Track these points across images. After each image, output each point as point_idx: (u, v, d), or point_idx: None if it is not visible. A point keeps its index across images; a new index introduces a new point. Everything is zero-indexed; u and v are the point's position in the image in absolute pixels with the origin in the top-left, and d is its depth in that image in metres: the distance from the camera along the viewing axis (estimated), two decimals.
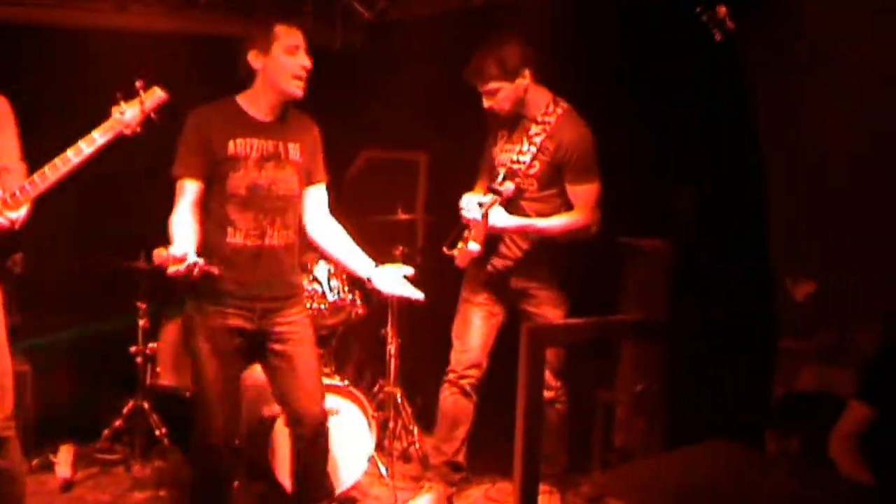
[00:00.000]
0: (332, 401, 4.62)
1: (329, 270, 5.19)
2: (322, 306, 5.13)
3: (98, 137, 3.67)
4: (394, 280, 4.12)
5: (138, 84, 3.74)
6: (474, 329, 4.72)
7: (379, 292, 4.18)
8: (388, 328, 5.55)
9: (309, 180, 4.14)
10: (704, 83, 4.59)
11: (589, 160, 4.40)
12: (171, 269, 3.56)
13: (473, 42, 4.54)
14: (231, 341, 3.97)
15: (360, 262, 4.21)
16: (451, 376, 4.74)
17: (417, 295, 4.08)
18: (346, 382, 4.97)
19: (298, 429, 4.16)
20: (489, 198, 4.40)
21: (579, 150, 4.38)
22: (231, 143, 3.91)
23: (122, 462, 5.25)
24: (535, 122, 4.42)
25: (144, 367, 5.22)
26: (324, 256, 5.19)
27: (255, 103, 4.00)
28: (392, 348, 5.50)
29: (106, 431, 5.28)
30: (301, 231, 4.18)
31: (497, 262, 4.64)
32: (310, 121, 4.18)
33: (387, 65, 6.15)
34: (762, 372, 4.60)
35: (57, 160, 3.63)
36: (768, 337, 4.60)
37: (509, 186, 4.36)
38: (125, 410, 5.24)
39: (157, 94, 3.78)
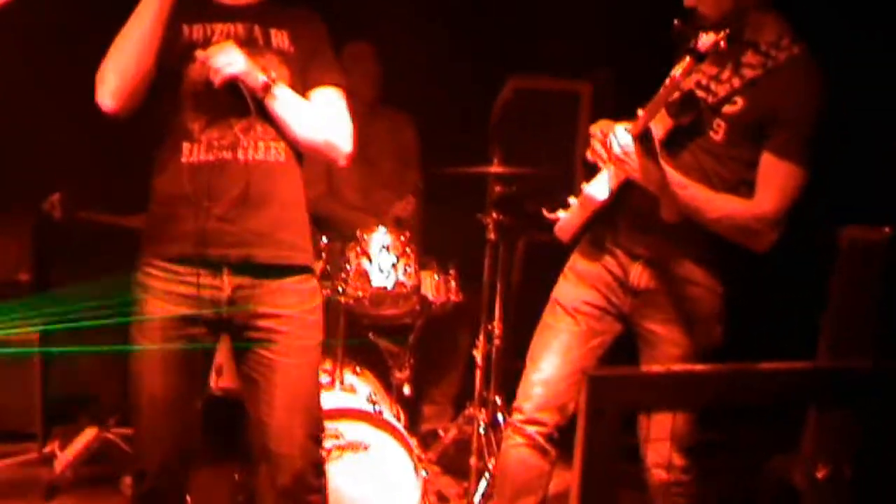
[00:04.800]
0: (358, 431, 3.56)
1: (385, 244, 3.87)
2: (359, 293, 3.94)
3: None
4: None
5: None
6: (560, 349, 3.31)
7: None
8: (490, 325, 4.28)
9: (309, 81, 3.10)
10: None
11: (808, 131, 3.04)
12: None
13: None
14: (175, 340, 2.96)
15: None
16: (516, 418, 3.36)
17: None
18: (378, 408, 3.71)
19: (274, 476, 3.06)
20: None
21: (803, 112, 3.02)
22: (185, 29, 3.02)
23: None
24: (754, 49, 3.09)
25: None
26: (388, 223, 4.02)
27: None
28: (478, 355, 4.24)
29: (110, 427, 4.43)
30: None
31: (623, 241, 3.23)
32: (309, 11, 3.21)
33: None
34: None
35: None
36: None
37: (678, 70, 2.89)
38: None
39: None
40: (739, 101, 3.05)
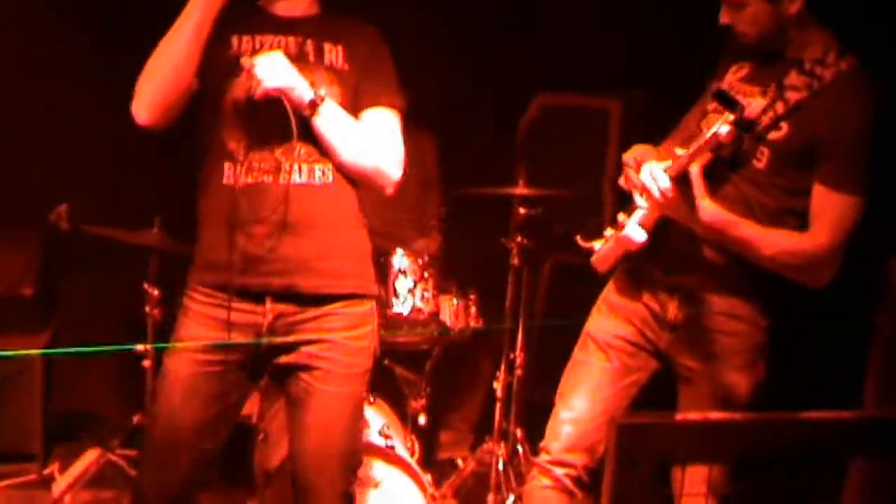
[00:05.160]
0: (368, 467, 3.37)
1: (402, 267, 3.68)
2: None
3: None
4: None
5: None
6: (591, 387, 3.09)
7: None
8: (512, 354, 4.09)
9: (362, 101, 2.88)
10: None
11: (861, 156, 2.81)
12: None
13: None
14: (208, 365, 2.79)
15: None
16: (543, 459, 3.13)
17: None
18: (390, 443, 3.51)
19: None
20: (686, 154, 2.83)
21: (853, 135, 2.79)
22: (234, 39, 2.84)
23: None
24: (797, 69, 2.87)
25: (155, 374, 3.98)
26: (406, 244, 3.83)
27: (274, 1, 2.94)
28: (499, 387, 4.03)
29: (114, 449, 4.18)
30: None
31: (660, 274, 3.01)
32: (366, 25, 3.01)
33: None
34: None
35: None
36: None
37: (723, 128, 2.70)
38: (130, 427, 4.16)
39: None
40: (784, 126, 2.83)
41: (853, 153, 2.78)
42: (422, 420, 4.02)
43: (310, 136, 2.75)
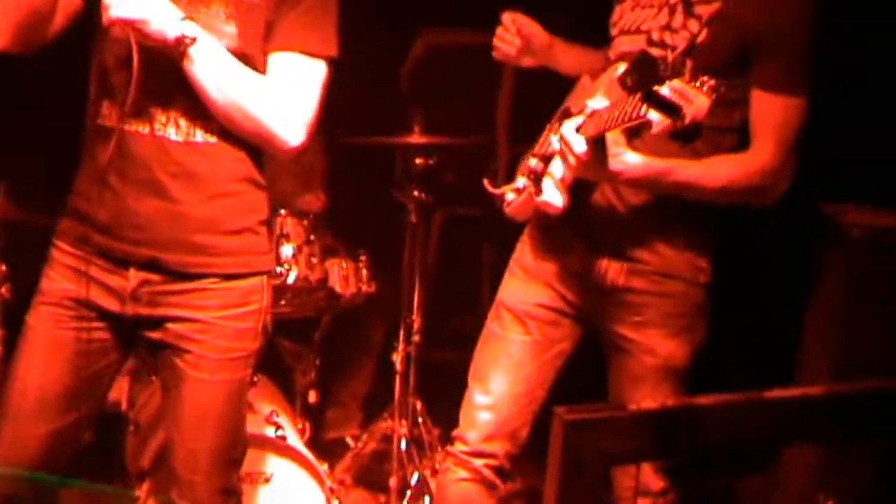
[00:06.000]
0: (257, 461, 3.08)
1: (285, 231, 3.38)
2: None
3: None
4: None
5: None
6: (510, 365, 2.79)
7: None
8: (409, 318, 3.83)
9: (273, 41, 2.41)
10: None
11: (802, 50, 2.53)
12: None
13: None
14: (73, 320, 2.45)
15: None
16: (458, 448, 2.83)
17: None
18: (281, 432, 3.19)
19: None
20: (599, 106, 2.50)
21: (787, 30, 2.49)
22: None
23: None
24: None
25: (5, 360, 3.42)
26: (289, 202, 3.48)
27: None
28: (398, 359, 3.76)
29: None
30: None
31: (582, 230, 2.70)
32: None
33: None
34: None
35: None
36: None
37: (656, 118, 2.24)
38: None
39: None
40: (704, 32, 2.54)
41: (789, 49, 2.51)
42: (311, 397, 3.70)
43: (182, 83, 2.32)
